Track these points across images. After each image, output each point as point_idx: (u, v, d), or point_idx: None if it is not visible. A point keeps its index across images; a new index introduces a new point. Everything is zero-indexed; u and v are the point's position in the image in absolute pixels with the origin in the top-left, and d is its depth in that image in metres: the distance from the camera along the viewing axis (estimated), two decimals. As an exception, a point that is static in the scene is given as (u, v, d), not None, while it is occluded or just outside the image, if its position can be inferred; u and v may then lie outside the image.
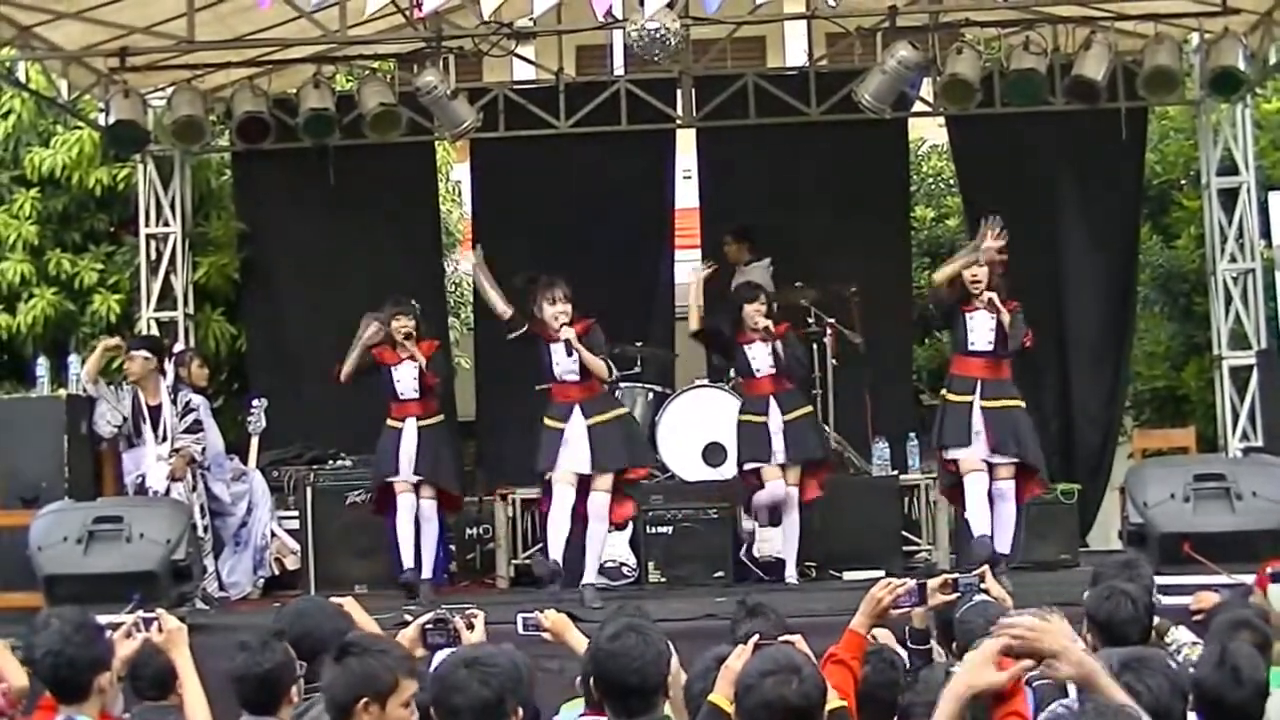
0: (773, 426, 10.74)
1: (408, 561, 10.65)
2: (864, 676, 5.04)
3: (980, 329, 10.08)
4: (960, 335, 10.19)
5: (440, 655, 5.10)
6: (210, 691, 5.23)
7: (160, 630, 5.47)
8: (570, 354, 10.03)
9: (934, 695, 4.49)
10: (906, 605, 5.42)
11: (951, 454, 10.13)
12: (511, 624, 5.97)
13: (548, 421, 10.23)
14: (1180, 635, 6.10)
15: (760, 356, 10.74)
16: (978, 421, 10.01)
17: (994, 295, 9.94)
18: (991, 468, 10.05)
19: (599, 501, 10.17)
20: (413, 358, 10.66)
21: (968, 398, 10.10)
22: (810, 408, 11.17)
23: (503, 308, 10.37)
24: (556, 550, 10.13)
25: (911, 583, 5.36)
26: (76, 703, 5.00)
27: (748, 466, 10.85)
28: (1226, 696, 4.23)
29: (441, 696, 4.17)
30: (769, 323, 10.64)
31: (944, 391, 10.42)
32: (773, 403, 10.76)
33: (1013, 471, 10.06)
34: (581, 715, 5.00)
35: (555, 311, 10.02)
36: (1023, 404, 10.28)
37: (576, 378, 10.16)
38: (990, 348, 10.06)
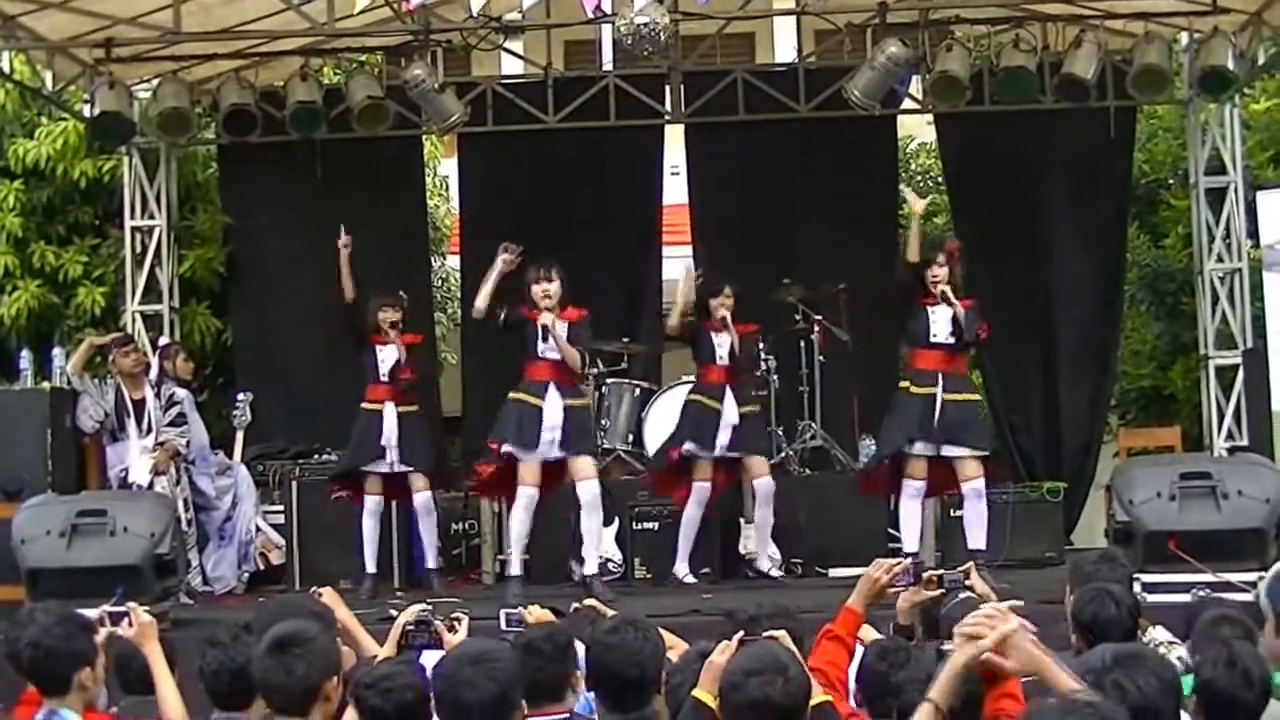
0: (725, 418, 10.67)
1: (370, 564, 10.74)
2: (864, 664, 5.04)
3: (941, 321, 10.26)
4: (921, 328, 10.31)
5: (427, 656, 5.10)
6: (193, 685, 5.20)
7: (131, 624, 5.45)
8: (546, 339, 10.01)
9: (925, 672, 4.49)
10: (902, 585, 5.41)
11: (917, 448, 10.22)
12: (496, 620, 5.96)
13: (522, 396, 10.09)
14: (1157, 634, 6.09)
15: (724, 345, 10.70)
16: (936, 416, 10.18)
17: (948, 290, 10.14)
18: (956, 468, 10.22)
19: (591, 490, 10.10)
20: (395, 345, 10.68)
21: (931, 390, 10.22)
22: (758, 407, 11.12)
23: (481, 304, 10.22)
24: (519, 562, 10.12)
25: (908, 562, 5.38)
26: (58, 695, 4.98)
27: (687, 447, 10.69)
28: (1238, 697, 4.22)
29: (448, 693, 4.20)
30: (726, 315, 10.61)
31: (906, 384, 10.46)
32: (728, 393, 10.70)
33: (980, 469, 10.20)
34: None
35: (540, 291, 10.01)
36: (979, 397, 10.47)
37: (557, 356, 10.11)
38: (951, 341, 10.25)
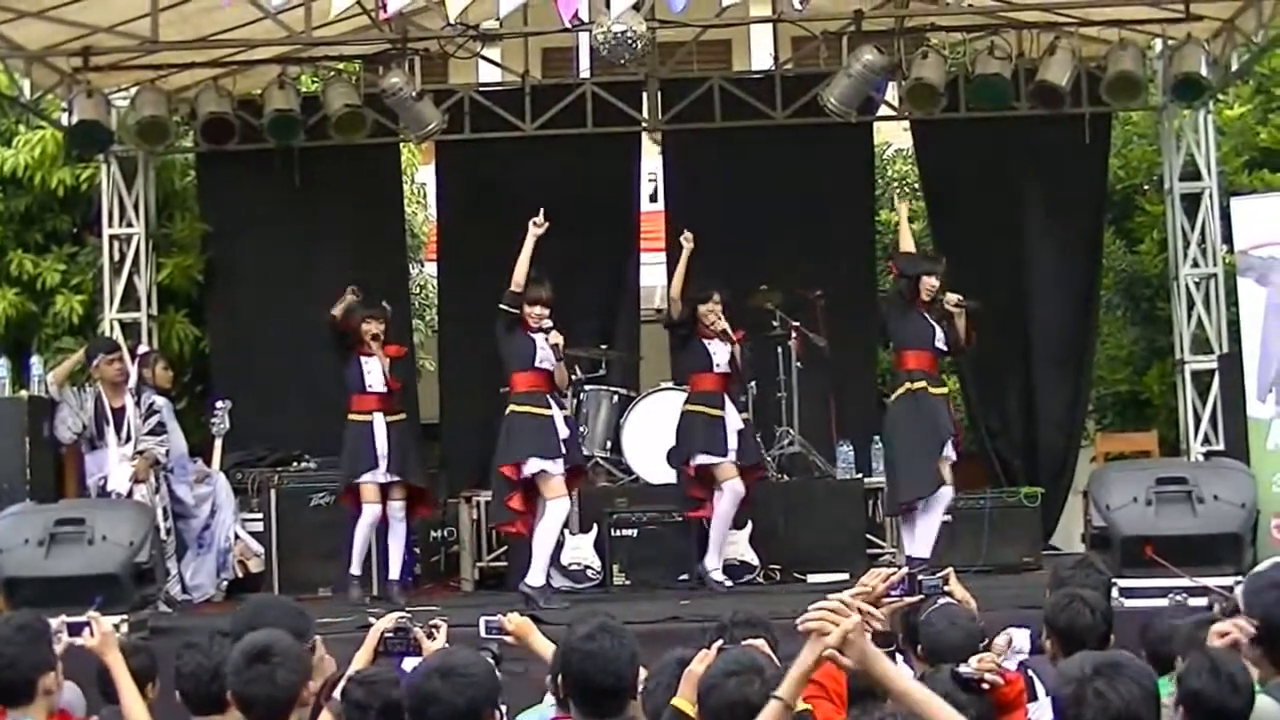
0: (729, 424, 10.79)
1: (357, 569, 10.76)
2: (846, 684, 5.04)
3: (937, 327, 10.50)
4: (925, 332, 10.51)
5: (407, 663, 5.11)
6: (173, 695, 5.21)
7: (92, 634, 5.45)
8: (558, 357, 10.17)
9: (943, 690, 4.53)
10: (898, 594, 5.42)
11: (947, 450, 10.46)
12: (475, 627, 5.96)
13: (530, 409, 10.13)
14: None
15: (720, 353, 10.79)
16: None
17: (957, 306, 10.46)
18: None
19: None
20: (379, 358, 10.72)
21: (944, 391, 10.66)
22: (748, 415, 11.34)
23: (521, 279, 10.19)
24: (545, 569, 10.20)
25: (904, 571, 5.38)
26: (21, 705, 4.96)
27: (700, 460, 10.76)
28: (1226, 704, 4.24)
29: (417, 707, 4.21)
30: (726, 326, 10.73)
31: (923, 385, 10.49)
32: (728, 401, 10.84)
33: None
34: (554, 718, 5.00)
35: (538, 313, 10.13)
36: None
37: (551, 368, 10.23)
38: (944, 346, 10.60)
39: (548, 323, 10.14)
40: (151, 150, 13.14)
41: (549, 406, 10.19)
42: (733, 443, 10.76)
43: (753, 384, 11.93)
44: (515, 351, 10.21)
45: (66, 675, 5.32)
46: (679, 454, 10.96)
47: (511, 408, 10.23)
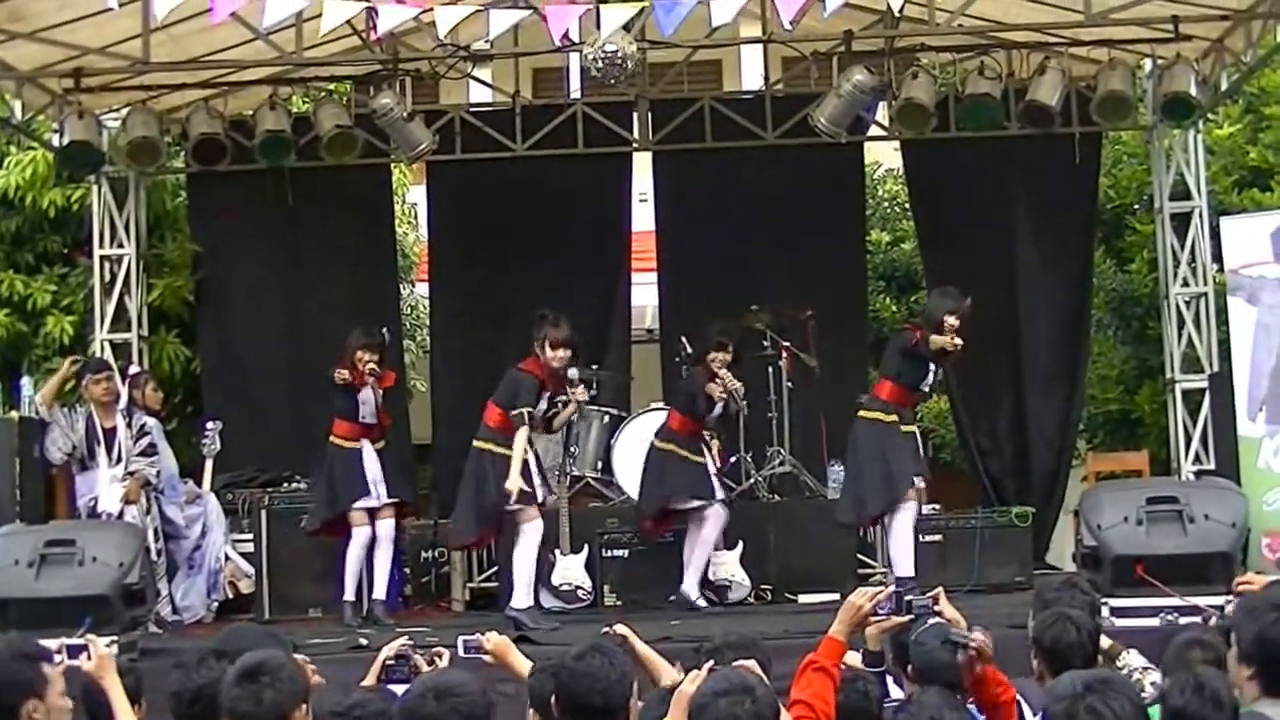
0: (710, 468, 11.04)
1: (350, 593, 10.76)
2: (838, 703, 5.04)
3: (933, 371, 10.68)
4: (921, 375, 10.61)
5: (401, 689, 5.11)
6: (163, 715, 5.20)
7: (89, 657, 5.44)
8: (565, 405, 10.32)
9: (928, 715, 4.54)
10: (885, 612, 5.42)
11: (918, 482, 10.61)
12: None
13: (503, 451, 10.25)
14: (1132, 659, 6.11)
15: (720, 406, 11.03)
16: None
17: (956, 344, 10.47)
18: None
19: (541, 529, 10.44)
20: (374, 390, 10.75)
21: (914, 428, 10.77)
22: None
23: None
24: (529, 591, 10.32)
25: (891, 589, 5.38)
26: None
27: (678, 505, 11.01)
28: None
29: None
30: (738, 386, 10.93)
31: (894, 420, 10.60)
32: (702, 446, 11.10)
33: None
34: None
35: (557, 356, 10.18)
36: None
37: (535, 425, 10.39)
38: (928, 389, 10.95)
39: (583, 393, 10.32)
40: (142, 171, 13.14)
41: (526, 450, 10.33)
42: (715, 482, 11.04)
43: (743, 404, 11.97)
44: (518, 399, 10.23)
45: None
46: (654, 495, 11.11)
47: (491, 446, 10.31)
